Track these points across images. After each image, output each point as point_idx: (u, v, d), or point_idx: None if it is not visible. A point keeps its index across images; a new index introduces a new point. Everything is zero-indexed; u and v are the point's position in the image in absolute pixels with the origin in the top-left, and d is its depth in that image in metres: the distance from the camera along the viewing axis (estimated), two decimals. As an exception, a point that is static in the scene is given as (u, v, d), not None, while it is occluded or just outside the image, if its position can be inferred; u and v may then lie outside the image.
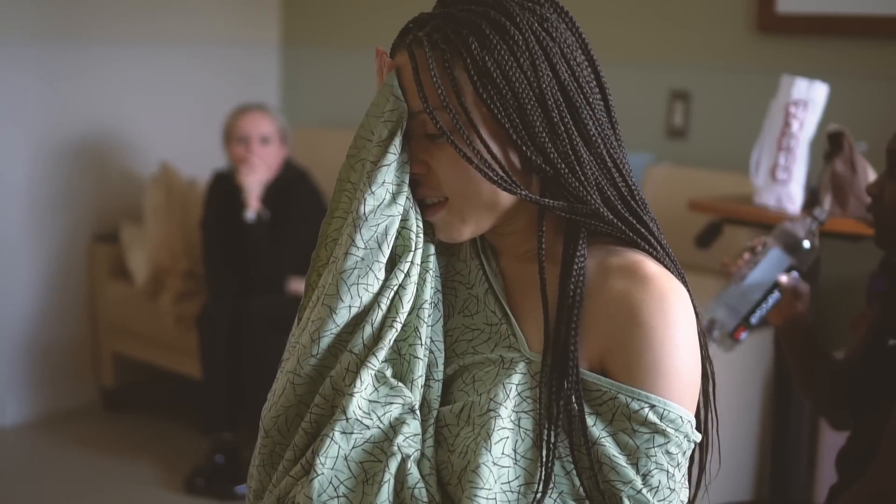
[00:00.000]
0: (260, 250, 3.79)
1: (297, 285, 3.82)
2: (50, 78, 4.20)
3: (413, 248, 1.26)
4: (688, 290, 1.28)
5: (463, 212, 1.27)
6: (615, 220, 1.25)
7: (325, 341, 1.24)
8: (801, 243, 1.90)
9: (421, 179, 1.28)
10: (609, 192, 1.26)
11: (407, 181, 1.26)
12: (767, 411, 3.25)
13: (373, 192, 1.24)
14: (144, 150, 4.48)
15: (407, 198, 1.27)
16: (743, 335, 1.89)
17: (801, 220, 1.93)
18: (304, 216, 3.84)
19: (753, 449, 3.30)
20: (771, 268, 1.88)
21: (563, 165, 1.23)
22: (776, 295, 1.88)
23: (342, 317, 1.24)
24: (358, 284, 1.23)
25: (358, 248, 1.24)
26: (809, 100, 2.77)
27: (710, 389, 1.32)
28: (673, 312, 1.21)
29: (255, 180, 3.82)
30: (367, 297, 1.24)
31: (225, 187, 3.90)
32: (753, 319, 1.88)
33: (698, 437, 1.25)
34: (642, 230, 1.27)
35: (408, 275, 1.26)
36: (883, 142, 2.83)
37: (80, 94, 4.30)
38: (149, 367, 4.36)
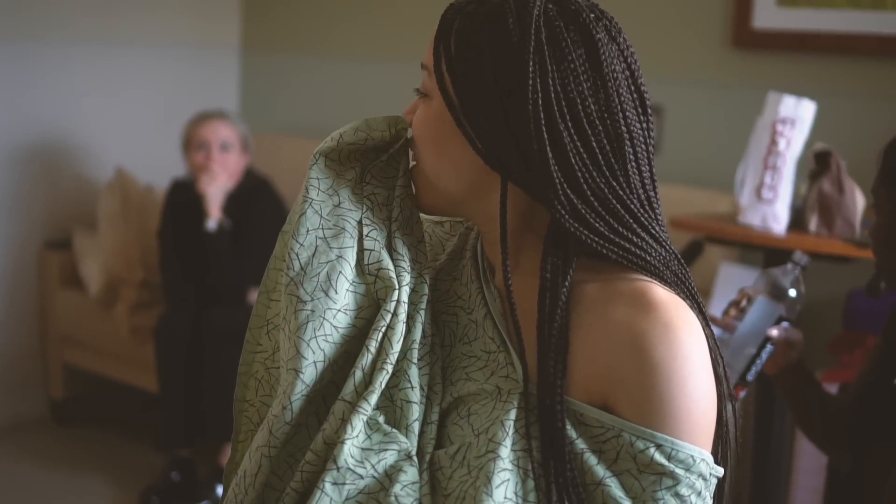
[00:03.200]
0: (221, 260, 3.69)
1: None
2: (1, 79, 4.06)
3: (397, 286, 1.20)
4: (705, 319, 1.19)
5: (423, 167, 1.23)
6: (578, 226, 1.15)
7: (298, 404, 1.17)
8: (787, 292, 1.84)
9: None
10: (588, 197, 1.16)
11: (347, 226, 1.21)
12: (745, 425, 3.21)
13: (301, 244, 1.20)
14: (99, 155, 4.34)
15: (375, 239, 1.21)
16: (741, 394, 1.85)
17: (783, 267, 1.87)
18: (267, 225, 3.74)
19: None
20: (760, 318, 1.83)
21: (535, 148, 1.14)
22: (769, 348, 1.83)
23: (310, 375, 1.17)
24: (316, 338, 1.18)
25: (304, 301, 1.19)
26: (797, 117, 2.72)
27: (725, 435, 1.22)
28: (680, 343, 1.12)
29: (216, 188, 3.72)
30: (329, 350, 1.18)
31: (184, 196, 3.80)
32: (749, 377, 1.84)
33: (720, 471, 1.17)
34: (633, 248, 1.17)
35: (395, 314, 1.19)
36: (851, 160, 2.83)
37: (33, 95, 4.15)
38: (100, 378, 4.22)
